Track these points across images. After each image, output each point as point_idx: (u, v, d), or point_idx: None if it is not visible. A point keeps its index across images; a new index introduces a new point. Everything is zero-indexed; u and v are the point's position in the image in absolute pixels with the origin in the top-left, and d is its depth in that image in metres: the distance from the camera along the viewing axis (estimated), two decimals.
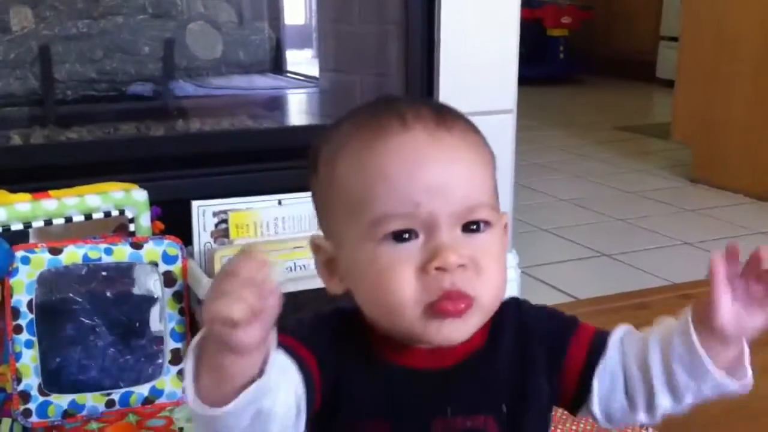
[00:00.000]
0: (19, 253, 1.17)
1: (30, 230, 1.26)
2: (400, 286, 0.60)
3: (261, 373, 0.56)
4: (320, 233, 0.69)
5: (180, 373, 1.26)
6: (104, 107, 1.95)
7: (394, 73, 1.57)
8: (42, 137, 1.66)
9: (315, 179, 0.68)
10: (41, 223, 1.26)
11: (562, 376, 0.69)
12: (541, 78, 4.83)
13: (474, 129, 0.66)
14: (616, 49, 5.33)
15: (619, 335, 0.69)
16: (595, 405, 0.68)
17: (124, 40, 1.98)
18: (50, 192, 1.28)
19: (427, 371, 0.66)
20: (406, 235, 0.60)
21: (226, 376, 0.55)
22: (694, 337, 0.63)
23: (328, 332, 0.67)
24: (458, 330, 0.62)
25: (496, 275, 0.63)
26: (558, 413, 1.19)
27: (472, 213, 0.62)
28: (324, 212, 0.68)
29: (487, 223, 0.63)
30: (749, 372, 0.65)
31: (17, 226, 1.25)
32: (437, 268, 0.60)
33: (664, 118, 3.54)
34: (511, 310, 0.70)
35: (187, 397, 0.56)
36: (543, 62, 5.05)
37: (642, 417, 0.68)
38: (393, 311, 0.61)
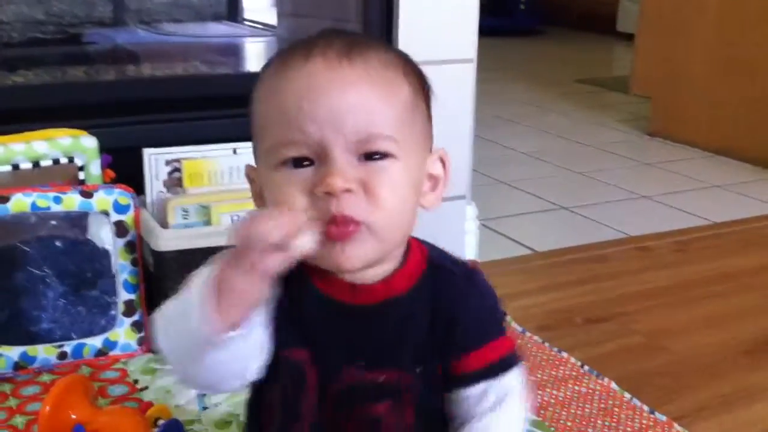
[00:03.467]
0: None
1: None
2: (291, 207, 0.62)
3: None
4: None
5: (134, 324, 1.24)
6: (52, 50, 1.89)
7: (353, 19, 1.53)
8: None
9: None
10: None
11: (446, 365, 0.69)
12: (502, 29, 4.81)
13: (391, 64, 0.65)
14: (578, 1, 5.31)
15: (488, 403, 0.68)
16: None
17: None
18: None
19: (345, 304, 0.68)
20: (300, 162, 0.62)
21: (243, 300, 0.59)
22: None
23: None
24: (350, 254, 0.63)
25: (392, 202, 0.63)
26: (539, 377, 1.20)
27: (368, 144, 0.62)
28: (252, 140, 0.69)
29: (386, 154, 0.63)
30: None
31: None
32: (325, 193, 0.61)
33: (623, 72, 3.55)
34: (455, 278, 0.69)
35: (202, 322, 0.58)
36: (504, 13, 5.03)
37: None
38: None
